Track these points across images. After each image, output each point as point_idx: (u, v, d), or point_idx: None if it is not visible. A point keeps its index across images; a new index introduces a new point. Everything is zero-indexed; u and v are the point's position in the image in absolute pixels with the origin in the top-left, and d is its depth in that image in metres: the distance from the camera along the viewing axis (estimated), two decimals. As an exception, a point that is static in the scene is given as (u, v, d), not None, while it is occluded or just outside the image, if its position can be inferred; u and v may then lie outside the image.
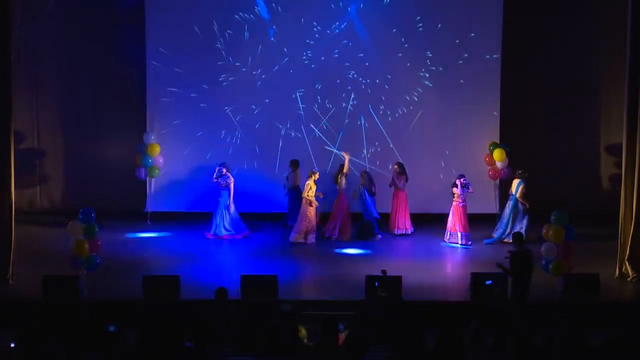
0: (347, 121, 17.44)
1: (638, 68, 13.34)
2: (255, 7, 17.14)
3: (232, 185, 16.00)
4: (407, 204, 16.53)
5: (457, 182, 15.70)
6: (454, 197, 15.72)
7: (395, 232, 16.46)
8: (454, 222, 15.74)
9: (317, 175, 15.80)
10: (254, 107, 17.33)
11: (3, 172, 13.22)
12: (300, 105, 17.39)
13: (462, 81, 17.32)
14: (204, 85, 17.34)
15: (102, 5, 17.52)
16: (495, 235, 15.96)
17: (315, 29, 17.23)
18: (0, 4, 12.97)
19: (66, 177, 18.17)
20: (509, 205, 15.92)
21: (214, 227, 16.08)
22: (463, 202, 15.70)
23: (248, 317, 10.85)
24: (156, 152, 16.94)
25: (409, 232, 16.54)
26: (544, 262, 12.82)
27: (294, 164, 16.80)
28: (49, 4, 15.64)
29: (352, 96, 17.39)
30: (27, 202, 18.05)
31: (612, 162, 17.76)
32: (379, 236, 16.20)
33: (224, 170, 16.02)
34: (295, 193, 16.61)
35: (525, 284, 11.68)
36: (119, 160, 17.64)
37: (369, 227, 16.23)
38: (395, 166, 16.52)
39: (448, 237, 15.82)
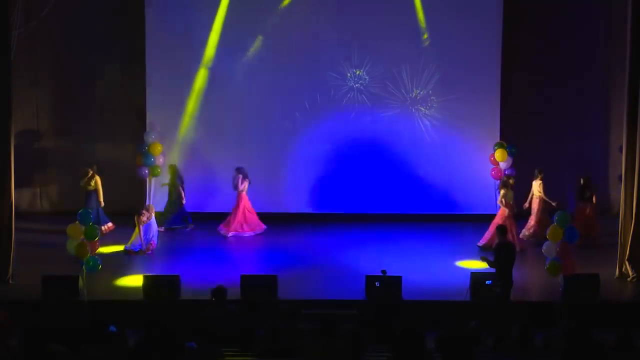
0: (347, 123, 17.45)
1: (638, 68, 13.35)
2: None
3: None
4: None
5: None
6: None
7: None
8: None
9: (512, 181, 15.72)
10: (253, 112, 17.40)
11: (3, 173, 13.23)
12: (302, 108, 17.47)
13: (463, 82, 17.31)
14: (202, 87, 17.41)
15: (102, 5, 17.51)
16: None
17: (314, 32, 17.22)
18: (0, 4, 12.97)
19: (66, 177, 18.14)
20: None
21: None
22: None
23: (248, 317, 10.85)
24: (158, 152, 16.95)
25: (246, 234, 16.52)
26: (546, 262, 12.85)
27: (94, 168, 16.57)
28: (49, 4, 15.64)
29: (353, 98, 17.41)
30: (27, 202, 18.06)
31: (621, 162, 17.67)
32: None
33: None
34: (94, 193, 16.36)
35: (508, 276, 11.69)
36: (119, 161, 17.61)
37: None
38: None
39: None
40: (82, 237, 12.65)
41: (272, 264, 14.39)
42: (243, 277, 12.59)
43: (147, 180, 17.15)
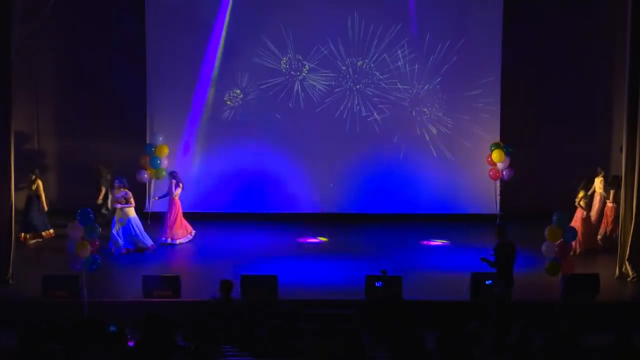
0: (346, 122, 17.46)
1: (638, 68, 13.35)
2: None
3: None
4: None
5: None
6: None
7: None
8: None
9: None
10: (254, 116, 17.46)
11: (3, 173, 13.22)
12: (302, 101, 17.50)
13: (463, 81, 17.31)
14: (203, 88, 17.41)
15: (102, 7, 17.52)
16: None
17: (312, 33, 17.24)
18: (0, 4, 12.97)
19: (66, 178, 18.16)
20: None
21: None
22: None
23: (248, 317, 10.86)
24: (164, 154, 16.92)
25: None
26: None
27: (36, 172, 16.36)
28: (50, 4, 15.64)
29: (352, 97, 17.43)
30: (27, 202, 18.04)
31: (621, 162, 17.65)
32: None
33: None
34: (35, 197, 16.10)
35: (508, 276, 11.67)
36: (119, 161, 17.56)
37: None
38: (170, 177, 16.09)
39: None
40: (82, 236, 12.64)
41: (272, 264, 14.38)
42: (243, 277, 12.58)
43: (148, 182, 17.13)
